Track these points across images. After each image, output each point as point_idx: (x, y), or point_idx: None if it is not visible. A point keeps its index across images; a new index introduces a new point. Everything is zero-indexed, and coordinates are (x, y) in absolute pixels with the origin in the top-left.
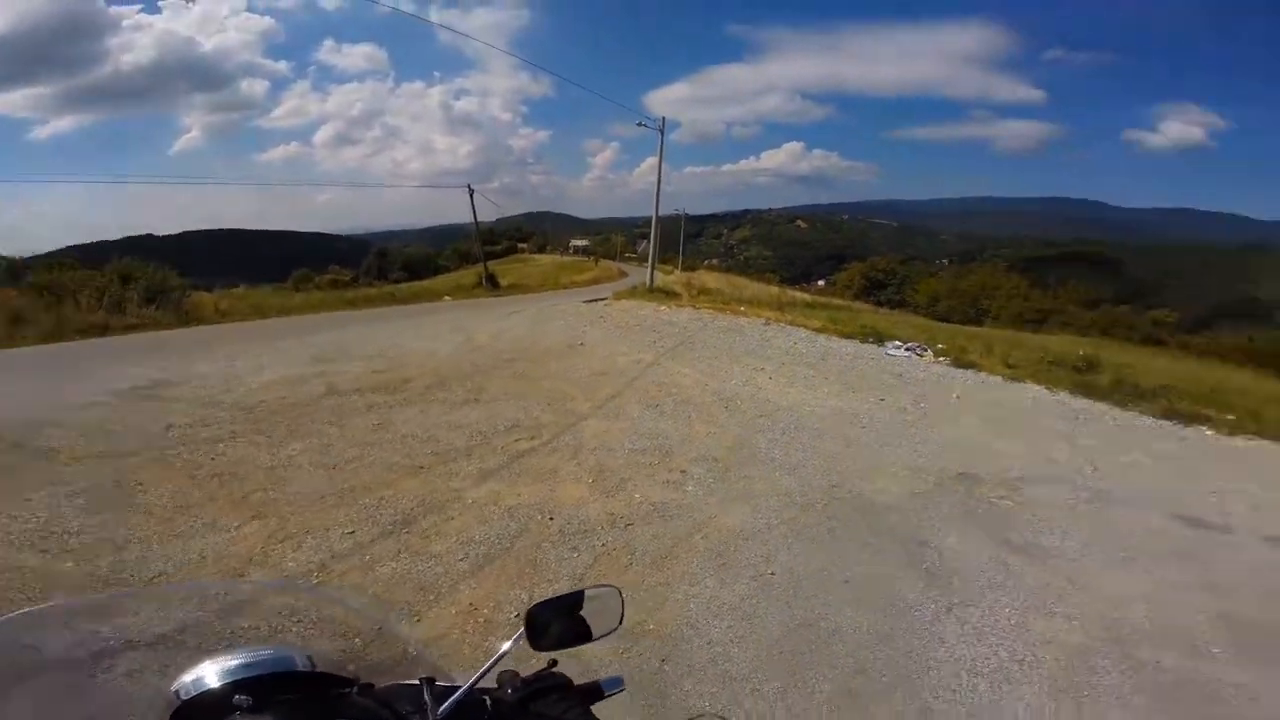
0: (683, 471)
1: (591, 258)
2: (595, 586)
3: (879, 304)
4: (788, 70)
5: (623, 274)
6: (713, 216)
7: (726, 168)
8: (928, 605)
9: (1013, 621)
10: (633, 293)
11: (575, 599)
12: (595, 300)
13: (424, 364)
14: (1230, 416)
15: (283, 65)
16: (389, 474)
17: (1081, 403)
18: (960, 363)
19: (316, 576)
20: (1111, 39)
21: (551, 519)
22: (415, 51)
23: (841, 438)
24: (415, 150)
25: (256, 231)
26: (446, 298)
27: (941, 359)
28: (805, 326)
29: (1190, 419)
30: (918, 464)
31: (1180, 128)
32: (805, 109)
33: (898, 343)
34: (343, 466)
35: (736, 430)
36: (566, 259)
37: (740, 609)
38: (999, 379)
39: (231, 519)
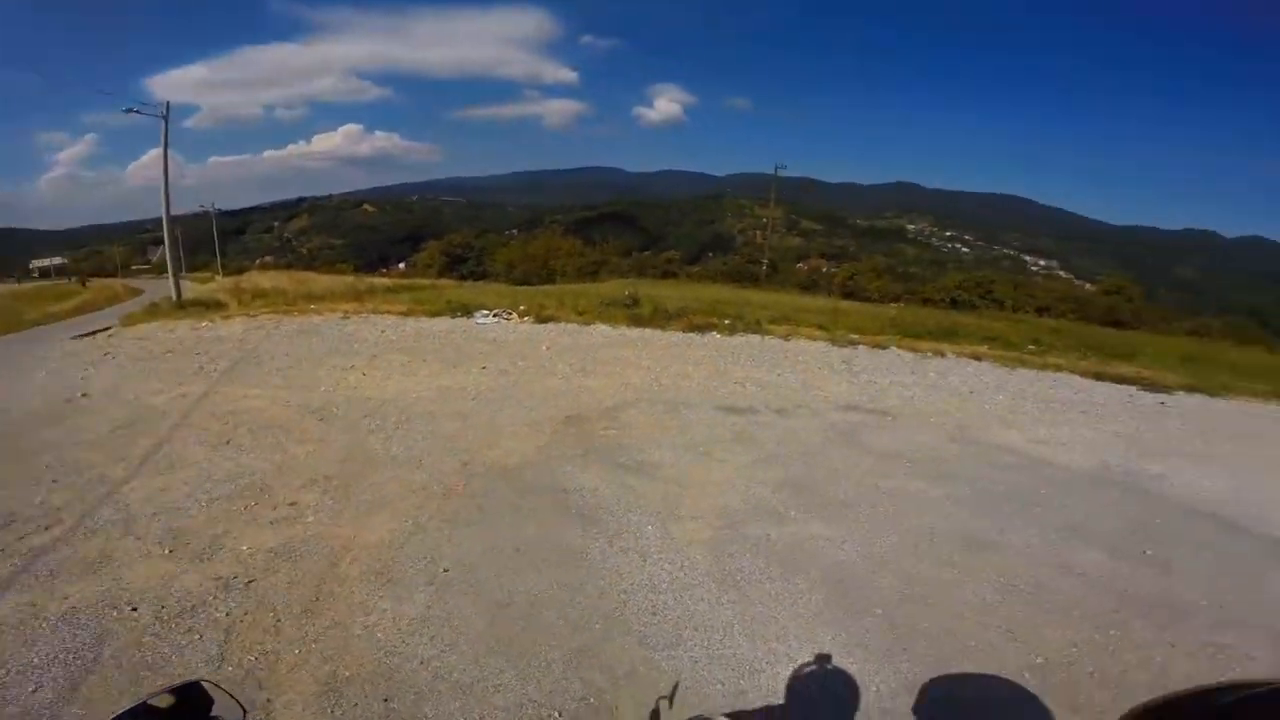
0: (292, 504)
1: (75, 280)
2: (192, 683)
3: (462, 278)
4: (345, 50)
5: (134, 291)
6: (258, 209)
7: (269, 154)
8: (593, 545)
9: (659, 535)
10: (152, 312)
11: (169, 702)
12: (93, 332)
13: None
14: (727, 322)
15: None
16: None
17: (635, 331)
18: (541, 319)
19: None
20: (624, 26)
21: (135, 609)
22: None
23: (456, 415)
24: None
25: None
26: None
27: (526, 319)
28: (391, 312)
29: (704, 329)
30: (532, 419)
31: (666, 104)
32: (363, 89)
33: (485, 311)
34: None
35: (343, 440)
36: (28, 286)
37: (432, 617)
38: (574, 326)
39: None
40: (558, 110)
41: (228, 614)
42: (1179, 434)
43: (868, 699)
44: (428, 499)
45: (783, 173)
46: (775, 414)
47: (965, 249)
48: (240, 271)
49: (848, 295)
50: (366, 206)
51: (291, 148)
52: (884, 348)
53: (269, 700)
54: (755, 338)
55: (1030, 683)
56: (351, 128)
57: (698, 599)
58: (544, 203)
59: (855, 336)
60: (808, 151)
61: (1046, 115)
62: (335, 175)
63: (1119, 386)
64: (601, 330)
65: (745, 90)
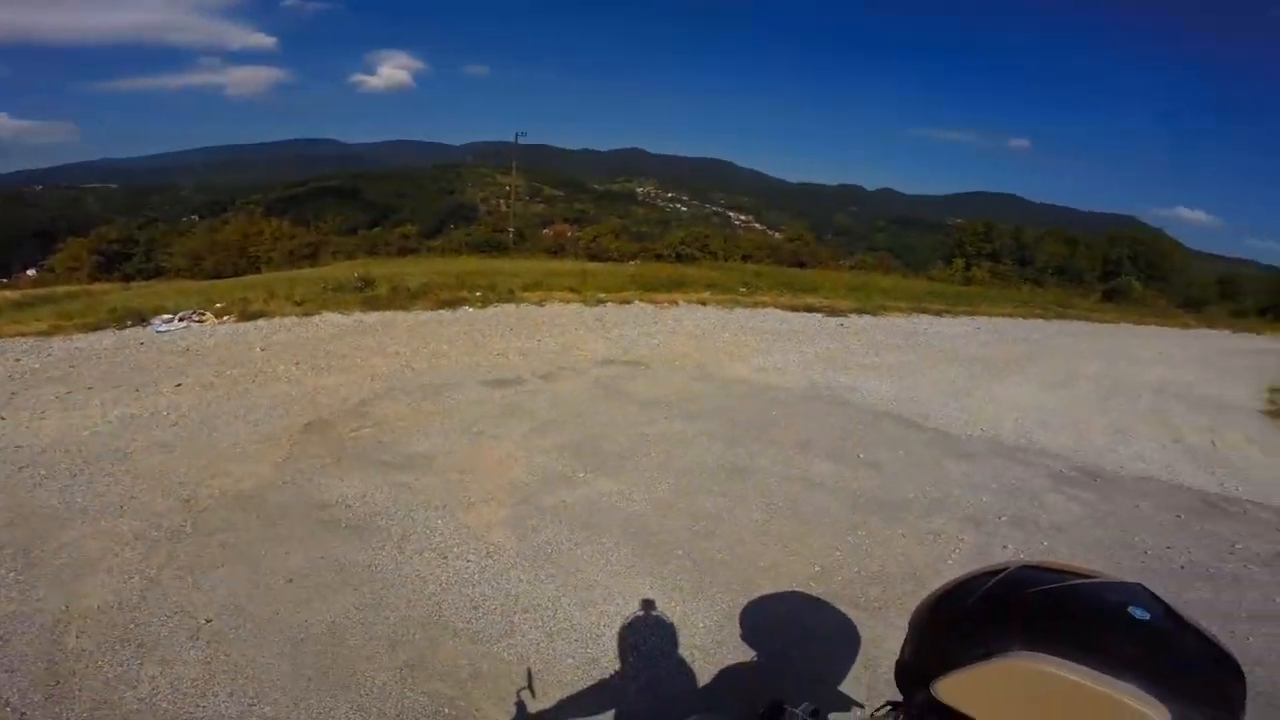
0: None
1: None
2: None
3: (128, 278)
4: None
5: None
6: None
7: None
8: (381, 555)
9: (453, 527)
10: None
11: None
12: None
13: None
14: (479, 294)
15: None
16: None
17: (374, 316)
18: (248, 315)
19: None
20: None
21: None
22: None
23: (157, 446)
24: None
25: None
26: None
27: (227, 318)
28: (27, 334)
29: (455, 304)
30: (261, 434)
31: (391, 71)
32: None
33: (167, 316)
34: None
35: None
36: None
37: (218, 672)
38: (293, 319)
39: None
40: (246, 79)
41: None
42: (858, 349)
43: (697, 636)
44: (150, 548)
45: (524, 140)
46: (542, 380)
47: (684, 208)
48: None
49: (593, 257)
50: None
51: None
52: (629, 303)
53: None
54: (510, 307)
55: (818, 590)
56: None
57: (516, 581)
58: (235, 182)
59: (603, 295)
60: (548, 118)
61: (743, 85)
62: None
63: (809, 315)
64: (331, 320)
65: (483, 57)
